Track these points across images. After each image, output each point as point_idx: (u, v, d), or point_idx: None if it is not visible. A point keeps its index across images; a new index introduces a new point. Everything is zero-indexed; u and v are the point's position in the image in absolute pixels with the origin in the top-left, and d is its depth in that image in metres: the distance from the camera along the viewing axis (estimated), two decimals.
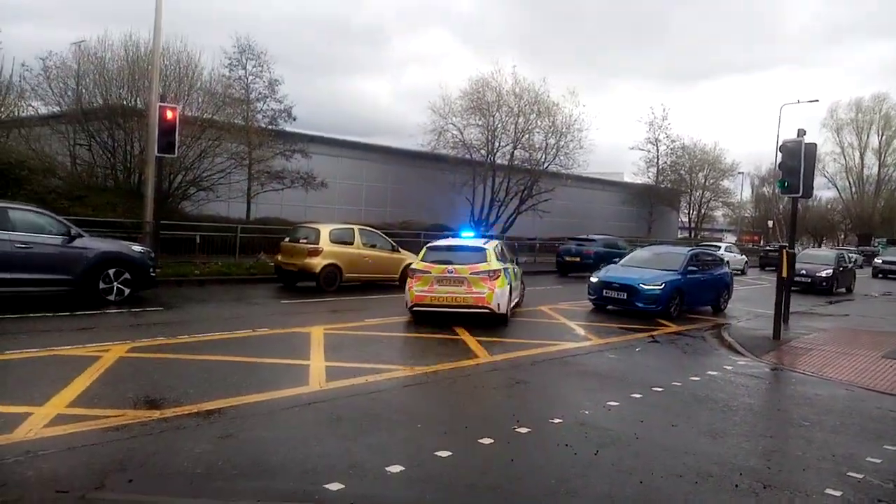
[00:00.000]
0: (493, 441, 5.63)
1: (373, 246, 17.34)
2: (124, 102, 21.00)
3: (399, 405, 6.69)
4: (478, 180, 34.89)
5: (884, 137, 72.22)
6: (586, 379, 8.37)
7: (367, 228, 18.56)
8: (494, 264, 12.06)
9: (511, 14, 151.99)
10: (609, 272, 15.59)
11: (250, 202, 25.68)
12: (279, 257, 16.91)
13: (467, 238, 14.17)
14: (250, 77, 25.29)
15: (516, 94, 35.19)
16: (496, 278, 11.83)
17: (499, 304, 11.76)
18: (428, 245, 13.26)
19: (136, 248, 12.88)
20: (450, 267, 11.88)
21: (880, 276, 34.50)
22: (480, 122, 35.19)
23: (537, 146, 36.55)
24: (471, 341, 10.20)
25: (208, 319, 11.14)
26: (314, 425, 5.91)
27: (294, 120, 26.70)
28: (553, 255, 34.17)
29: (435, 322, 11.65)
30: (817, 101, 79.24)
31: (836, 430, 6.49)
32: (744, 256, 36.61)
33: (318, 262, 15.81)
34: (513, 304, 13.06)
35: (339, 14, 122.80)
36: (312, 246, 16.02)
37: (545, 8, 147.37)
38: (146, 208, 16.67)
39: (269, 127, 25.20)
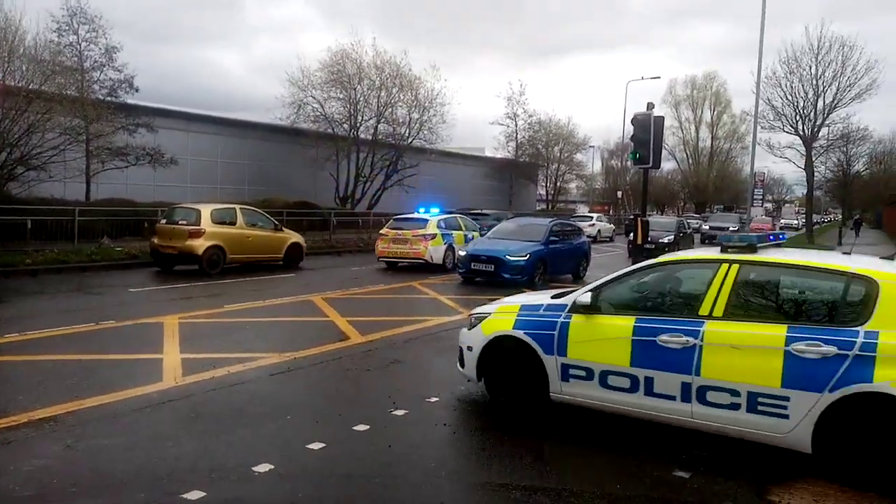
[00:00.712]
0: (368, 427, 5.37)
1: (254, 225, 16.90)
2: None
3: (266, 396, 6.23)
4: (341, 155, 34.12)
5: (715, 112, 79.03)
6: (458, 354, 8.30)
7: (249, 208, 17.98)
8: (431, 230, 17.58)
9: None
10: (476, 245, 15.75)
11: (90, 182, 23.42)
12: (155, 240, 15.93)
13: (423, 214, 19.02)
14: (83, 44, 22.93)
15: (378, 66, 34.66)
16: (432, 239, 17.40)
17: (432, 257, 17.33)
18: (393, 217, 20.01)
19: None
20: (399, 231, 17.83)
21: (706, 241, 37.55)
22: (342, 96, 34.37)
23: (401, 120, 36.33)
24: (341, 322, 9.86)
25: (42, 314, 9.90)
26: (169, 426, 5.33)
27: (136, 91, 24.56)
28: None
29: (307, 308, 11.15)
30: (659, 77, 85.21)
31: None
32: (612, 226, 39.72)
33: (200, 244, 15.15)
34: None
35: None
36: (194, 227, 15.30)
37: None
38: None
39: (108, 99, 23.00)
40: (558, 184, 63.93)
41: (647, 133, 14.29)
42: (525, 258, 14.65)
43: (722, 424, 4.90)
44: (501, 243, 15.51)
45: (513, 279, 14.47)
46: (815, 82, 33.57)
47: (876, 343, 4.43)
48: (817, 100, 33.87)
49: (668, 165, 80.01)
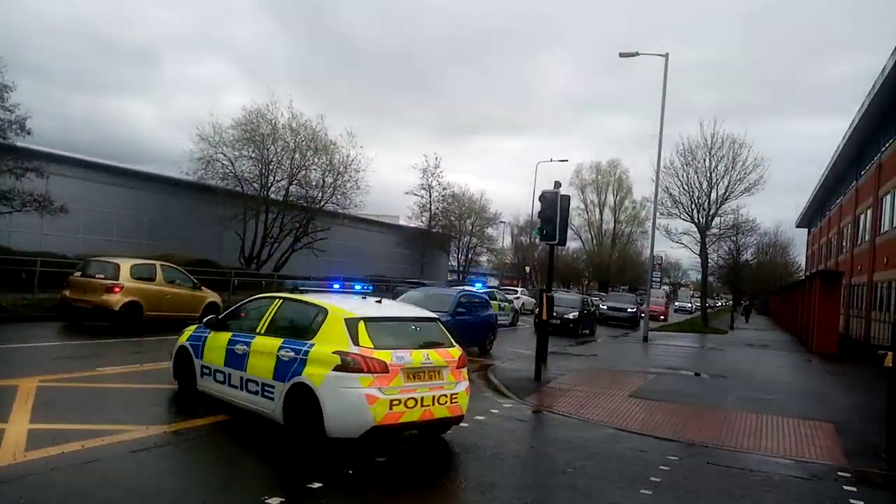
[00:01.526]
0: None
1: (173, 282, 16.57)
2: None
3: (119, 479, 5.39)
4: (249, 214, 33.07)
5: (618, 197, 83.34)
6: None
7: (169, 265, 17.58)
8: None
9: (294, 52, 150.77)
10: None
11: None
12: (67, 293, 15.24)
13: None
14: None
15: (293, 128, 34.34)
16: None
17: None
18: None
19: None
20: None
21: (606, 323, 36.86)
22: (254, 155, 33.64)
23: (314, 183, 35.85)
24: None
25: None
26: None
27: (28, 133, 22.89)
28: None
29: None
30: (566, 160, 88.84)
31: (598, 476, 6.54)
32: (533, 299, 39.88)
33: (117, 300, 14.76)
34: None
35: (104, 29, 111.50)
36: (111, 282, 14.87)
37: (329, 51, 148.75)
38: None
39: None
40: (470, 255, 64.74)
41: (553, 210, 14.47)
42: None
43: (253, 405, 7.21)
44: None
45: None
46: (708, 174, 35.94)
47: (309, 351, 6.72)
48: (710, 191, 36.19)
49: (573, 244, 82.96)
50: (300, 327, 7.20)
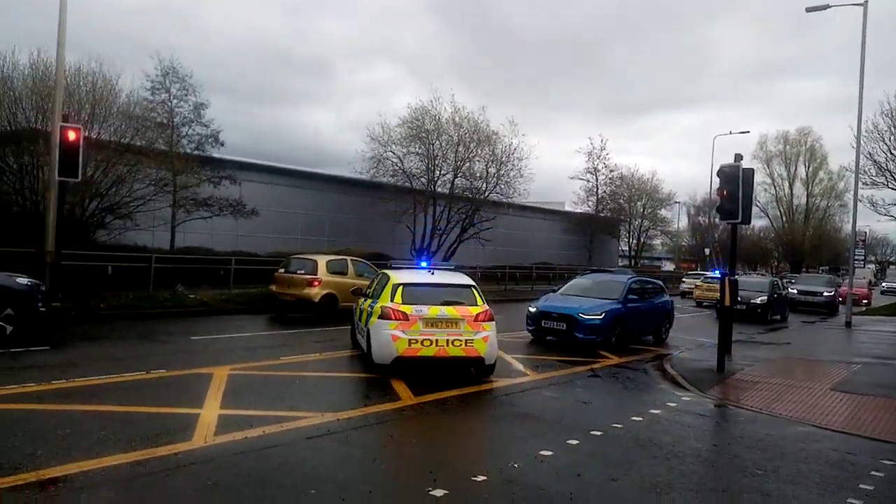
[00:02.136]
0: None
1: (362, 275, 17.56)
2: (31, 125, 19.40)
3: (295, 465, 5.63)
4: (419, 209, 34.10)
5: (810, 169, 75.21)
6: (519, 422, 7.48)
7: (359, 259, 19.16)
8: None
9: (457, 48, 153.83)
10: (548, 301, 14.88)
11: (174, 231, 24.19)
12: (273, 287, 17.15)
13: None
14: (174, 101, 24.01)
15: (456, 122, 34.79)
16: None
17: None
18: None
19: (22, 279, 11.40)
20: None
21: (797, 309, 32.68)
22: (420, 151, 34.57)
23: (478, 175, 36.10)
24: (397, 383, 9.20)
25: (99, 360, 9.79)
26: (178, 498, 4.81)
27: (222, 145, 25.40)
28: (494, 282, 33.59)
29: (367, 362, 10.65)
30: (748, 132, 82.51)
31: (793, 480, 5.77)
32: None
33: (317, 292, 16.28)
34: None
35: (284, 45, 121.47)
36: (311, 276, 16.46)
37: (490, 44, 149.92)
38: (47, 236, 15.21)
39: (195, 152, 23.86)
40: (642, 239, 62.03)
41: (734, 185, 13.24)
42: (600, 317, 13.68)
43: (363, 345, 10.57)
44: (576, 300, 14.61)
45: (586, 339, 13.51)
46: None
47: (374, 305, 9.99)
48: None
49: (760, 223, 76.30)
50: (378, 291, 10.25)
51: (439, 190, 35.23)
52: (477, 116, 34.98)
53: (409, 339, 9.07)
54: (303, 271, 16.68)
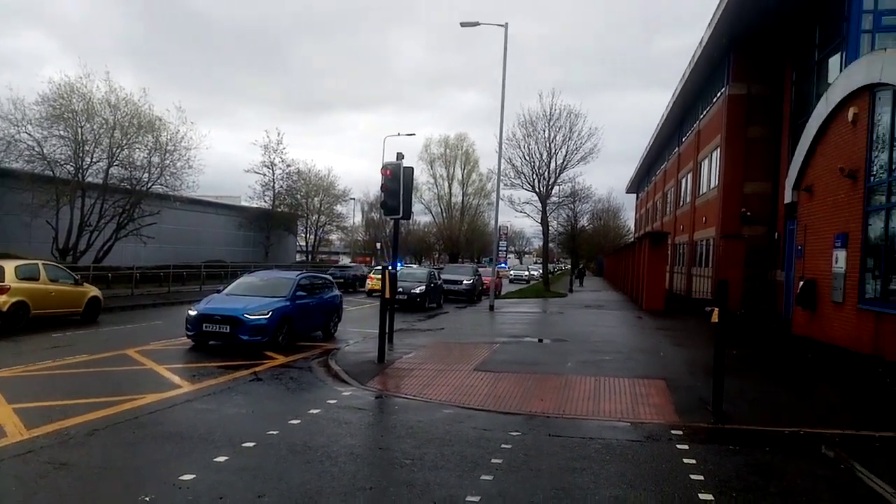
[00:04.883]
0: None
1: (56, 280, 16.88)
2: None
3: None
4: (63, 201, 29.50)
5: (465, 170, 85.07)
6: (162, 444, 6.62)
7: (51, 263, 18.25)
8: None
9: (124, 25, 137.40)
10: (211, 303, 13.89)
11: None
12: None
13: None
14: None
15: (112, 104, 31.02)
16: None
17: None
18: None
19: None
20: None
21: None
22: (66, 134, 29.98)
23: (139, 164, 32.73)
24: (4, 411, 7.54)
25: None
26: None
27: None
28: (156, 284, 30.88)
29: None
30: (414, 134, 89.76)
31: (437, 466, 6.05)
32: None
33: (5, 301, 14.93)
34: None
35: None
36: None
37: (167, 27, 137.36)
38: None
39: None
40: (319, 235, 63.04)
41: (396, 182, 13.97)
42: (267, 316, 13.23)
43: None
44: (241, 300, 13.90)
45: (252, 340, 12.96)
46: (548, 145, 37.37)
47: None
48: (550, 160, 37.64)
49: (425, 218, 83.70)
50: None
51: (91, 180, 31.08)
52: (137, 99, 31.71)
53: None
54: None
